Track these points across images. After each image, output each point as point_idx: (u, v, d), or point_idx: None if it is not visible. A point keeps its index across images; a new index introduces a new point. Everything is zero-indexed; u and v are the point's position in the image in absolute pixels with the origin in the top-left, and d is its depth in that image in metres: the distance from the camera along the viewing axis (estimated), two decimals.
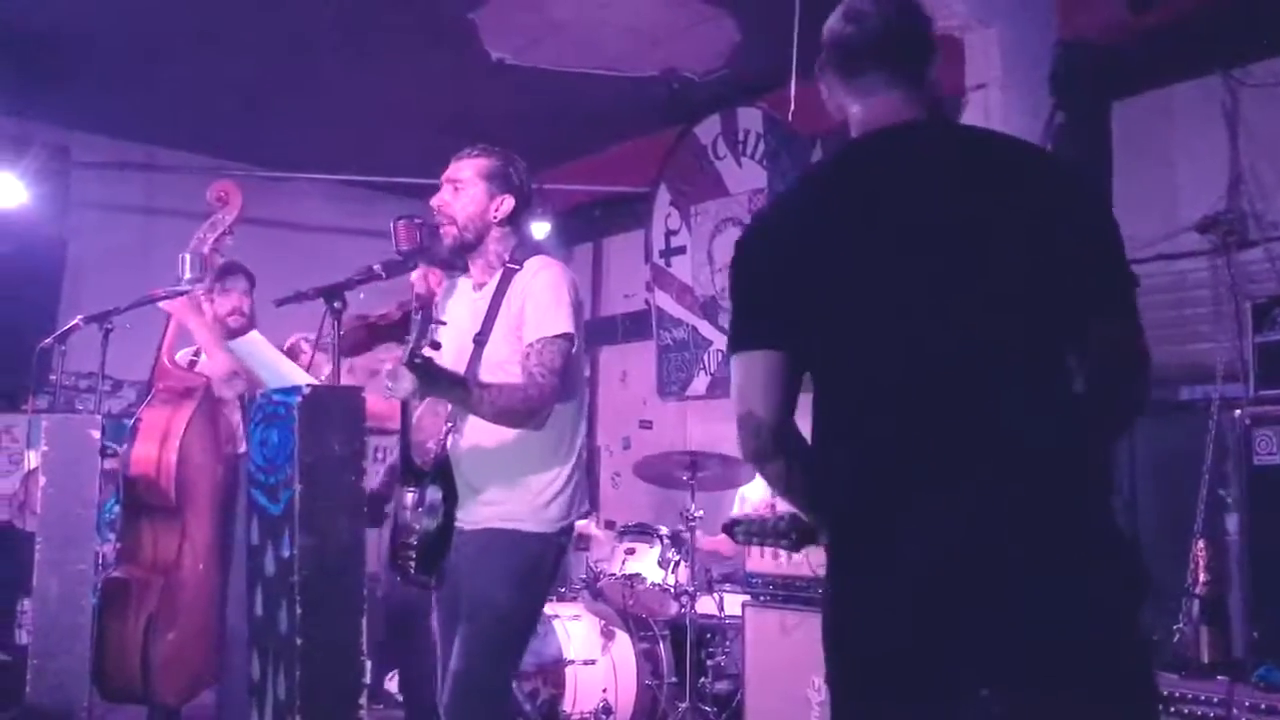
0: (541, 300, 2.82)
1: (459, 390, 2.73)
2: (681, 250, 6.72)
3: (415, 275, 2.96)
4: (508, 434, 2.80)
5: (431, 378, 2.57)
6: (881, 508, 1.70)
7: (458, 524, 2.84)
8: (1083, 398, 1.71)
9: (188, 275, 3.73)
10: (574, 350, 2.86)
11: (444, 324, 2.66)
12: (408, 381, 2.53)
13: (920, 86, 1.81)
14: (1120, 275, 1.73)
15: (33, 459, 5.30)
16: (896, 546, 1.67)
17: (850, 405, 1.76)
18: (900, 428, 1.70)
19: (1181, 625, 3.72)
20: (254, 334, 3.00)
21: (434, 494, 2.80)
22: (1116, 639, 1.65)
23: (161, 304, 3.84)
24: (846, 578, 1.76)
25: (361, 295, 2.85)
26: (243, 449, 4.02)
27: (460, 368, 2.76)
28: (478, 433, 2.84)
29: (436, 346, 2.56)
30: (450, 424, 2.90)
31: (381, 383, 2.62)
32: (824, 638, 1.77)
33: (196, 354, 4.20)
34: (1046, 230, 1.68)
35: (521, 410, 2.75)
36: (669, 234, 6.81)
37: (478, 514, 2.84)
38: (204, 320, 3.94)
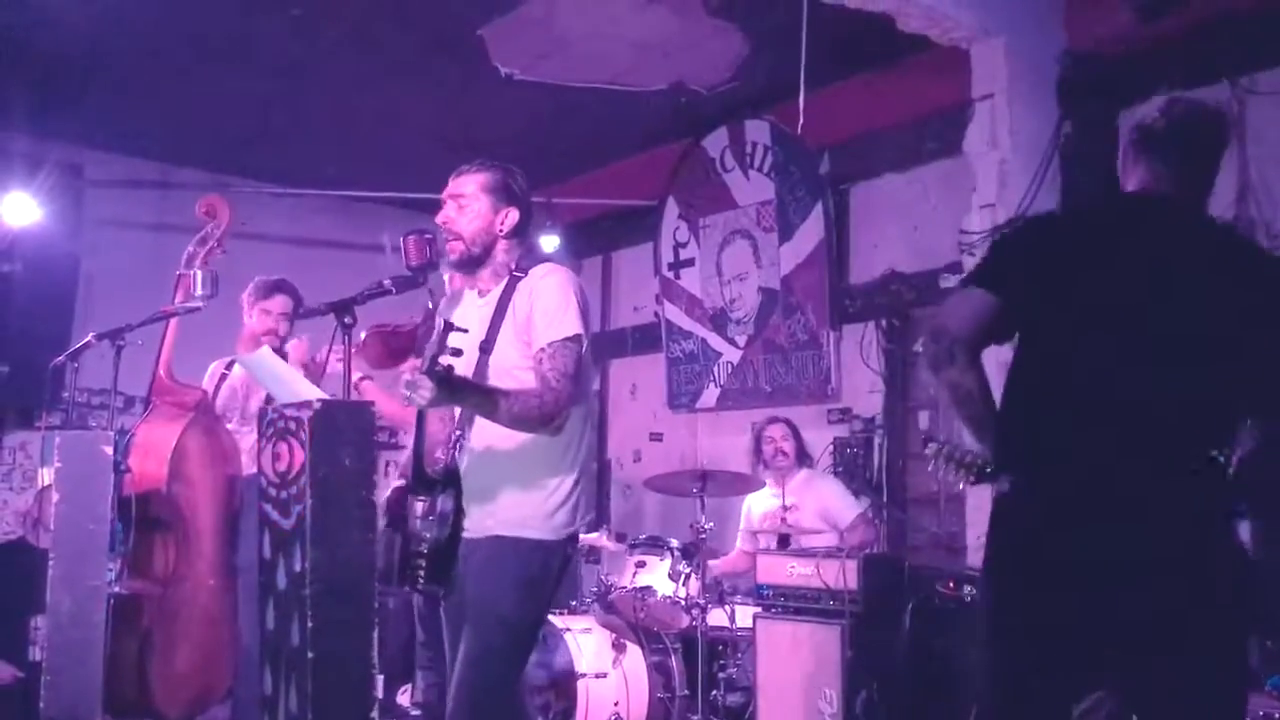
0: (549, 304, 2.82)
1: (477, 398, 2.72)
2: (690, 263, 6.73)
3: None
4: (516, 440, 2.80)
5: (451, 386, 2.56)
6: (1055, 474, 2.17)
7: (465, 532, 2.84)
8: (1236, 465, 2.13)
9: (200, 291, 3.75)
10: (584, 352, 2.86)
11: (465, 331, 2.65)
12: (426, 390, 2.52)
13: (1184, 181, 2.31)
14: None
15: (46, 475, 5.34)
16: (1060, 515, 2.13)
17: (1044, 381, 2.23)
18: (1081, 416, 2.15)
19: None
20: (264, 349, 3.03)
21: (445, 503, 2.79)
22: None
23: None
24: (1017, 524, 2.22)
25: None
26: (251, 470, 4.05)
27: (467, 375, 2.76)
28: (486, 439, 2.83)
29: (457, 354, 2.57)
30: (459, 431, 2.90)
31: (400, 390, 2.61)
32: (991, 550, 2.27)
33: (229, 367, 4.21)
34: (1252, 322, 2.15)
35: (537, 415, 2.74)
36: (678, 246, 6.83)
37: (484, 522, 2.83)
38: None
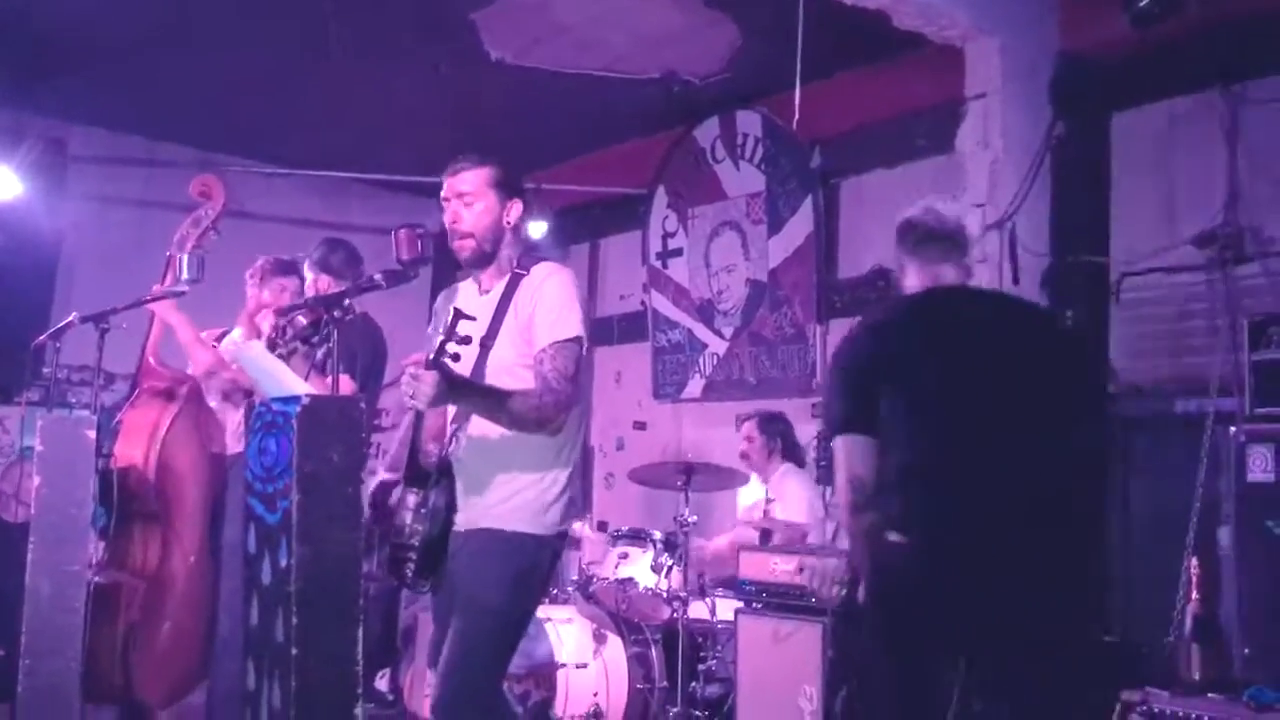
0: (553, 305, 2.81)
1: (478, 398, 2.72)
2: (679, 253, 6.71)
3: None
4: (513, 435, 2.79)
5: (455, 383, 2.55)
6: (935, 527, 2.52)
7: (456, 526, 2.83)
8: (1070, 472, 2.55)
9: (185, 275, 3.71)
10: (583, 353, 2.86)
11: (474, 319, 2.64)
12: (428, 385, 2.51)
13: (961, 264, 2.77)
14: (1092, 400, 2.80)
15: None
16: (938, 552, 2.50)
17: (918, 459, 2.56)
18: (944, 484, 2.53)
19: (1171, 639, 3.73)
20: (253, 342, 3.00)
21: (438, 497, 2.78)
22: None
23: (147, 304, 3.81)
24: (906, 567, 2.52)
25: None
26: (235, 449, 4.01)
27: (466, 370, 2.75)
28: (483, 434, 2.83)
29: (466, 342, 2.56)
30: (455, 425, 2.89)
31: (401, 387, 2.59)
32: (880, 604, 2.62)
33: (218, 339, 4.17)
34: (1048, 367, 2.61)
35: (536, 417, 2.74)
36: (666, 236, 6.81)
37: (477, 516, 2.83)
38: (183, 317, 3.92)
